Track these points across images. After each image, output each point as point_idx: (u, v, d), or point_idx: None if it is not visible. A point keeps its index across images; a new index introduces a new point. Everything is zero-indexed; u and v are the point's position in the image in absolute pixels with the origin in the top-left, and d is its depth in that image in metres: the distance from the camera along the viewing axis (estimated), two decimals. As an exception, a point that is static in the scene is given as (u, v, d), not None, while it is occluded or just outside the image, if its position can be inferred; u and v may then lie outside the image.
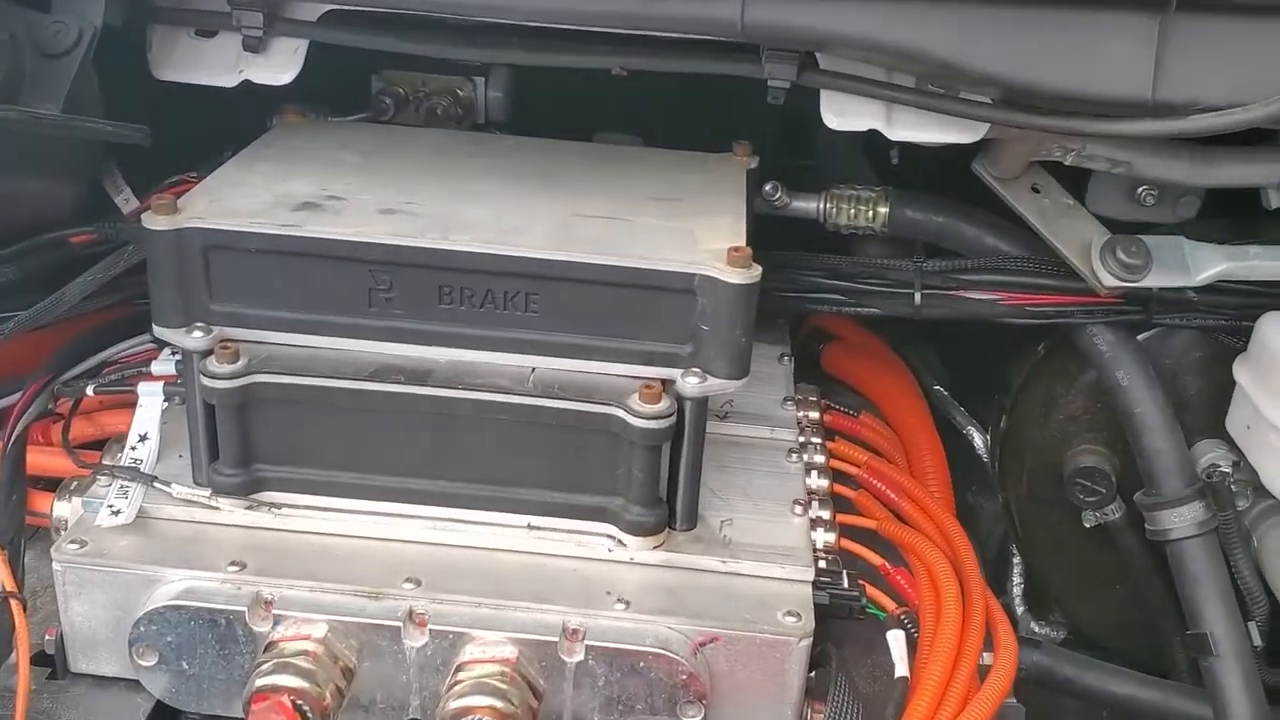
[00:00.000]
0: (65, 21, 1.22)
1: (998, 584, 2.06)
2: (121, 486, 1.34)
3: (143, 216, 1.25)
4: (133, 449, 1.39)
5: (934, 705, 1.25)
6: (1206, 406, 1.70)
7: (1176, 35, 1.19)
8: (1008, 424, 1.89)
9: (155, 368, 1.46)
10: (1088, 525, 1.78)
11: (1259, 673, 1.57)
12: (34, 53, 1.20)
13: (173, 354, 1.45)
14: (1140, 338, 1.66)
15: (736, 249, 1.23)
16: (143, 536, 1.30)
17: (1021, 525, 1.92)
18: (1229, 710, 1.56)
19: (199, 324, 1.28)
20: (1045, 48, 1.21)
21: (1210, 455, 1.68)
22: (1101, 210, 1.64)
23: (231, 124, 1.61)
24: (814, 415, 1.64)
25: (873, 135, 1.96)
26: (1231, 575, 1.61)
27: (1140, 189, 1.65)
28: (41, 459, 1.53)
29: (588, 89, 1.80)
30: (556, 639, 1.21)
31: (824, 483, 1.51)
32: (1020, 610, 2.06)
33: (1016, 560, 2.05)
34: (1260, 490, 1.61)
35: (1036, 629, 2.05)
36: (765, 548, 1.33)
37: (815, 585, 1.31)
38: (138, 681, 1.28)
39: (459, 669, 1.20)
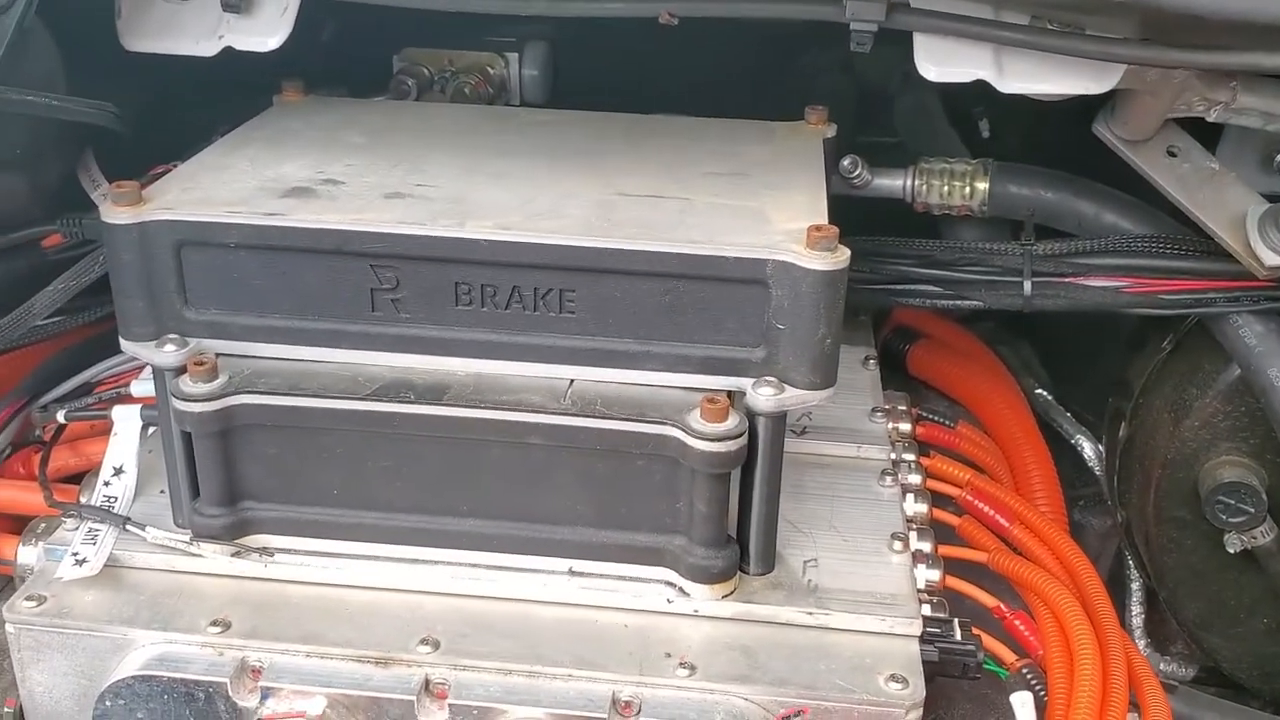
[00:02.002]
0: None
1: (1113, 613, 1.86)
2: (90, 530, 1.17)
3: (101, 208, 1.09)
4: (106, 485, 1.23)
5: (1078, 791, 1.03)
6: None
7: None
8: (1129, 432, 1.70)
9: (135, 388, 1.31)
10: (1232, 550, 1.57)
11: None
12: None
13: (156, 373, 1.28)
14: None
15: (818, 228, 1.06)
16: (112, 591, 1.15)
17: (1148, 550, 1.72)
18: None
19: (171, 335, 1.13)
20: None
21: (1388, 471, 1.46)
22: None
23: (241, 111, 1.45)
24: (905, 428, 1.48)
25: (959, 108, 1.75)
26: None
27: None
28: (15, 495, 1.38)
29: (636, 66, 1.70)
30: (605, 715, 1.05)
31: (922, 508, 1.36)
32: (1142, 645, 1.85)
33: (1136, 586, 1.85)
34: None
35: (1163, 668, 1.85)
36: (860, 594, 1.16)
37: (923, 639, 1.13)
38: (108, 764, 1.11)
39: None
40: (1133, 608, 1.86)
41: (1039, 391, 1.85)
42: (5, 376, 1.39)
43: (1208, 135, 1.44)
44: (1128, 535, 1.75)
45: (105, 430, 1.40)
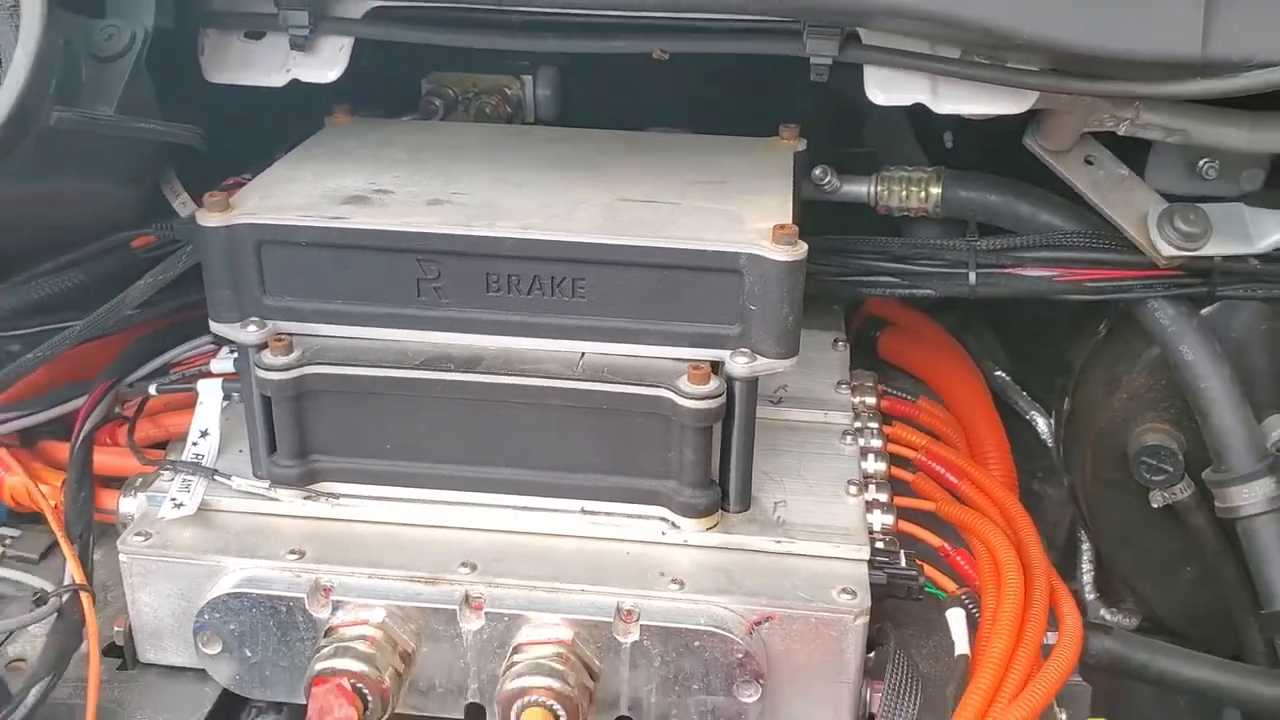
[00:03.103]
0: (118, 26, 1.26)
1: (1067, 572, 2.03)
2: (184, 480, 1.37)
3: (196, 214, 1.28)
4: (194, 444, 1.42)
5: (996, 683, 1.24)
6: (1276, 380, 1.66)
7: (1225, -8, 1.17)
8: (1070, 406, 1.86)
9: (214, 365, 1.49)
10: (1155, 506, 1.73)
11: (1337, 651, 1.55)
12: (88, 57, 1.23)
13: (231, 352, 1.48)
14: (1204, 312, 1.64)
15: (782, 227, 1.23)
16: (205, 528, 1.33)
17: (1088, 509, 1.88)
18: (1308, 689, 1.52)
19: (253, 318, 1.30)
20: (1091, 8, 1.20)
21: (1281, 431, 1.63)
22: (1162, 186, 1.61)
23: (288, 130, 1.63)
24: (870, 401, 1.64)
25: (926, 121, 1.95)
26: (1306, 551, 1.58)
27: (1201, 162, 1.61)
28: (107, 459, 1.57)
29: (634, 86, 1.81)
30: (611, 620, 1.22)
31: (881, 466, 1.51)
32: (1091, 598, 2.02)
33: (1085, 546, 2.01)
34: (1335, 464, 1.57)
35: (1108, 617, 2.01)
36: (819, 527, 1.33)
37: (872, 565, 1.31)
38: (205, 670, 1.30)
39: (515, 650, 1.21)
40: (1083, 566, 2.00)
41: (998, 374, 1.99)
42: (101, 359, 1.59)
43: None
44: (1073, 498, 1.91)
45: (180, 405, 1.61)
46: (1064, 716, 1.32)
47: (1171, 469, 1.70)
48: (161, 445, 1.58)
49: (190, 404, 1.56)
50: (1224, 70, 1.18)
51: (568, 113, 1.87)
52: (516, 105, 1.87)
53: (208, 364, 1.54)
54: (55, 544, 1.54)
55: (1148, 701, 2.02)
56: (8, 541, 1.57)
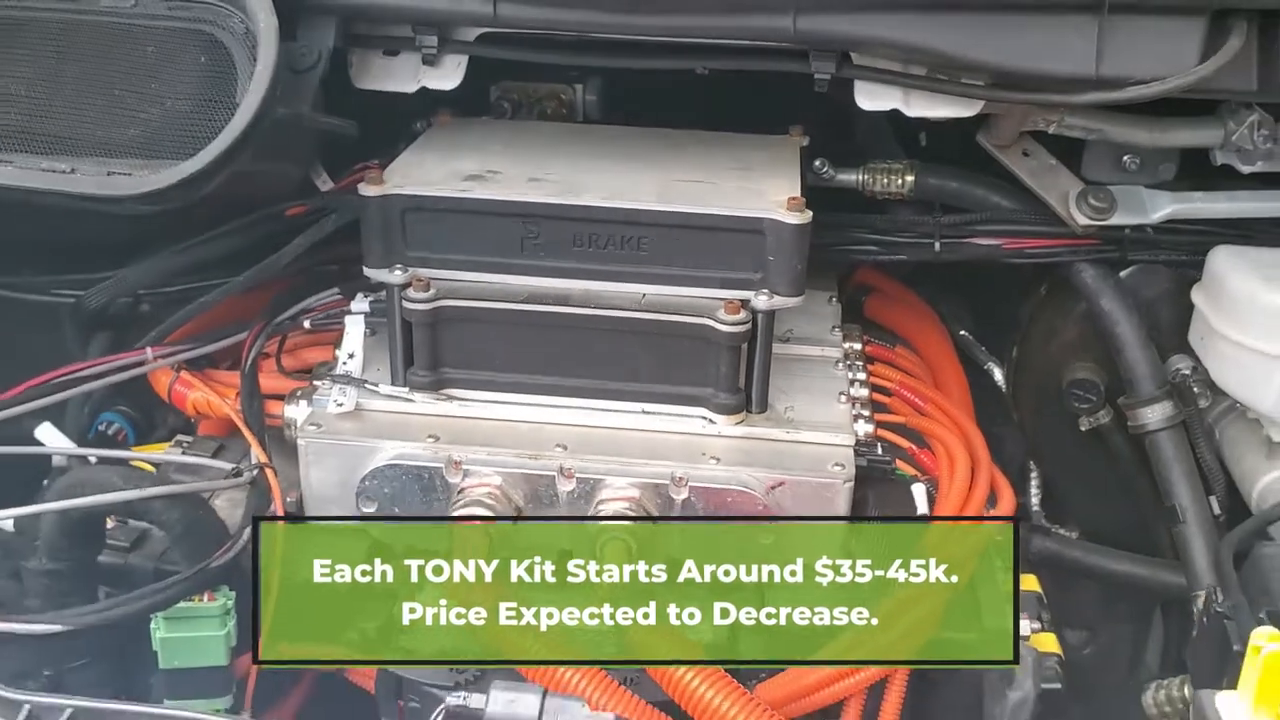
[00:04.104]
0: (309, 45, 1.67)
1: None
2: (340, 388, 1.76)
3: (358, 187, 1.66)
4: (344, 364, 1.81)
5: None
6: (1176, 328, 1.98)
7: (1111, 30, 1.59)
8: (1018, 353, 2.21)
9: (354, 306, 1.89)
10: (1083, 429, 2.06)
11: (1218, 535, 1.93)
12: (288, 70, 1.64)
13: (366, 296, 1.89)
14: (1123, 275, 1.96)
15: (794, 198, 1.56)
16: (360, 422, 1.67)
17: (1032, 437, 2.26)
18: (1194, 565, 1.92)
19: (398, 265, 1.62)
20: (1017, 42, 1.61)
21: (1178, 365, 2.02)
22: (1094, 176, 1.93)
23: (379, 129, 1.99)
24: (857, 346, 1.93)
25: (906, 125, 2.31)
26: (1196, 459, 1.92)
27: (1125, 157, 1.93)
28: (270, 382, 1.96)
29: (665, 92, 2.11)
30: (667, 483, 1.56)
31: (864, 391, 1.81)
32: (1036, 509, 2.37)
33: (1034, 476, 2.37)
34: (1216, 390, 1.96)
35: (1046, 523, 2.34)
36: (818, 423, 1.67)
37: (855, 452, 1.69)
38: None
39: (598, 504, 1.56)
40: (1032, 493, 2.35)
41: (963, 333, 2.27)
42: (259, 303, 2.00)
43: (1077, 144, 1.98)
44: (1021, 431, 2.27)
45: (311, 344, 2.00)
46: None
47: (1095, 398, 2.07)
48: (300, 373, 1.97)
49: (319, 343, 1.98)
50: (1111, 85, 1.62)
51: (612, 114, 2.06)
52: (570, 108, 2.14)
53: (335, 309, 1.97)
54: (222, 447, 1.97)
55: (1092, 606, 2.39)
56: (185, 444, 1.99)
